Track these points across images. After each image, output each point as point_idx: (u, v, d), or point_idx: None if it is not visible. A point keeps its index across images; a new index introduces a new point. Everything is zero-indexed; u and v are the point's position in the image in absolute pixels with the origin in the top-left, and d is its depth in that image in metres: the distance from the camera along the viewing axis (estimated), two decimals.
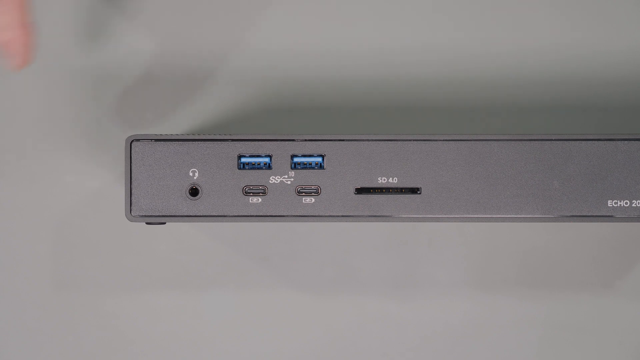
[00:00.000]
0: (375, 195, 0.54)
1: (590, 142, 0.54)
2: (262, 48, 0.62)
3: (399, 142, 0.54)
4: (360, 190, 0.54)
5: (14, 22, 0.54)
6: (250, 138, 0.55)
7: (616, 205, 0.54)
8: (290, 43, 0.62)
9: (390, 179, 0.54)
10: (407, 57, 0.62)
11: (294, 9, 0.63)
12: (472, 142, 0.54)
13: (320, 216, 0.54)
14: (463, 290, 0.62)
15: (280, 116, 0.62)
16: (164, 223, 0.55)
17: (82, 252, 0.62)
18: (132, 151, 0.54)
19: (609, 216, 0.54)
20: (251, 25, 0.63)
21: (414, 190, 0.54)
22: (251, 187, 0.54)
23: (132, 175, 0.54)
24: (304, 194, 0.54)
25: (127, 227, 0.62)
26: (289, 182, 0.54)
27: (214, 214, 0.54)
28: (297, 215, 0.54)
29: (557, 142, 0.54)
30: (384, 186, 0.54)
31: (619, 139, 0.54)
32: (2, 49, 0.55)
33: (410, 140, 0.54)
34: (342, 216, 0.54)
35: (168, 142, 0.54)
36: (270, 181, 0.54)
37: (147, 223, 0.55)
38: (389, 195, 0.54)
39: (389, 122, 0.62)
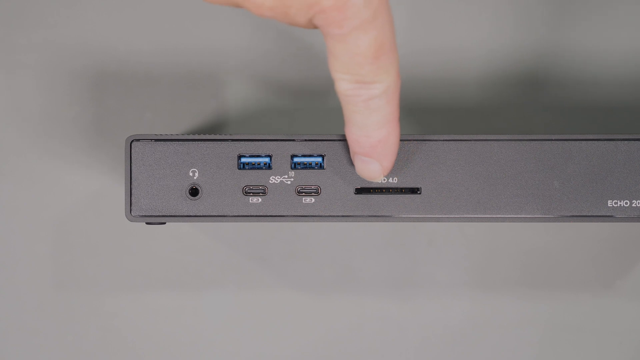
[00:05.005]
0: (375, 195, 0.54)
1: (590, 142, 0.54)
2: (262, 48, 0.62)
3: (399, 142, 0.54)
4: (360, 190, 0.54)
5: (389, 116, 0.47)
6: (250, 138, 0.54)
7: (616, 205, 0.54)
8: (289, 43, 0.62)
9: (390, 179, 0.54)
10: (407, 57, 0.62)
11: None
12: (472, 142, 0.54)
13: (320, 216, 0.54)
14: (463, 291, 0.62)
15: (280, 116, 0.62)
16: (164, 223, 0.55)
17: (82, 252, 0.62)
18: (132, 151, 0.54)
19: (609, 216, 0.54)
20: (250, 24, 0.63)
21: (414, 190, 0.54)
22: (251, 187, 0.54)
23: (132, 175, 0.54)
24: (304, 194, 0.54)
25: (127, 227, 0.62)
26: (289, 182, 0.54)
27: (214, 214, 0.54)
28: (297, 215, 0.54)
29: (557, 142, 0.54)
30: (384, 186, 0.54)
31: (619, 139, 0.54)
32: (372, 151, 0.47)
33: (410, 140, 0.54)
34: (342, 216, 0.54)
35: (168, 142, 0.54)
36: (270, 181, 0.54)
37: (147, 223, 0.55)
38: (389, 195, 0.54)
39: None
